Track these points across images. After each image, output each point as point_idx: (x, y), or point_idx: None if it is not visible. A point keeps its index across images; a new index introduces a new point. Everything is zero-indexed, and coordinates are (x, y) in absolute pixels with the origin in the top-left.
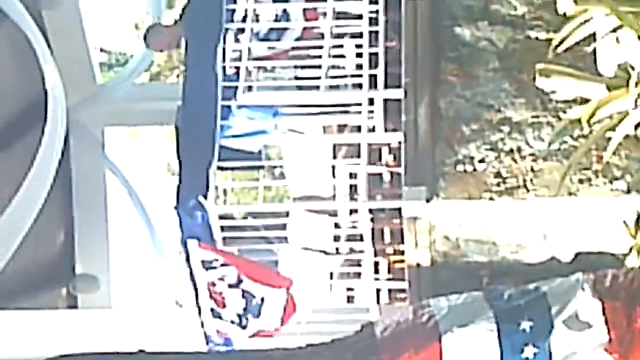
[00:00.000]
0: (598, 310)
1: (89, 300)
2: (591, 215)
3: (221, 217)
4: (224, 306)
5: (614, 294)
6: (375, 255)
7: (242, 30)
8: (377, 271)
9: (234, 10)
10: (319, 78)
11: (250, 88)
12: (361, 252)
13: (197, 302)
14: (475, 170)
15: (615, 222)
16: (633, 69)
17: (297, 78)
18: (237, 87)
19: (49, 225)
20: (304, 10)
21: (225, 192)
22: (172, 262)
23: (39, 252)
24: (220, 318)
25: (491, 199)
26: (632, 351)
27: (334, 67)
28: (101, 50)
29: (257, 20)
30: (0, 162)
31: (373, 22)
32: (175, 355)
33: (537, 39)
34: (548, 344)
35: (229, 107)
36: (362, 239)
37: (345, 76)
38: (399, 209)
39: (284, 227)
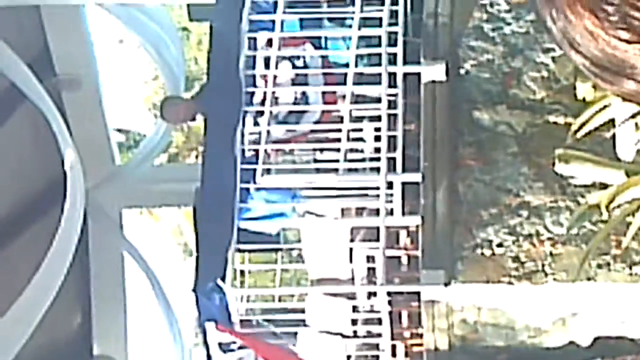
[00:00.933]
0: None
1: None
2: (610, 300)
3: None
4: None
5: None
6: (393, 338)
7: (261, 113)
8: (394, 354)
9: (253, 93)
10: (337, 161)
11: (268, 170)
12: (378, 335)
13: None
14: (493, 254)
15: (634, 307)
16: None
17: (315, 161)
18: (255, 170)
19: (66, 306)
20: (323, 93)
21: (242, 273)
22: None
23: (57, 333)
24: None
25: (509, 282)
26: None
27: (352, 150)
28: (119, 130)
29: (276, 103)
30: (18, 243)
31: (392, 105)
32: None
33: (555, 123)
34: None
35: (247, 189)
36: (379, 322)
37: (363, 159)
38: (417, 292)
39: (302, 311)
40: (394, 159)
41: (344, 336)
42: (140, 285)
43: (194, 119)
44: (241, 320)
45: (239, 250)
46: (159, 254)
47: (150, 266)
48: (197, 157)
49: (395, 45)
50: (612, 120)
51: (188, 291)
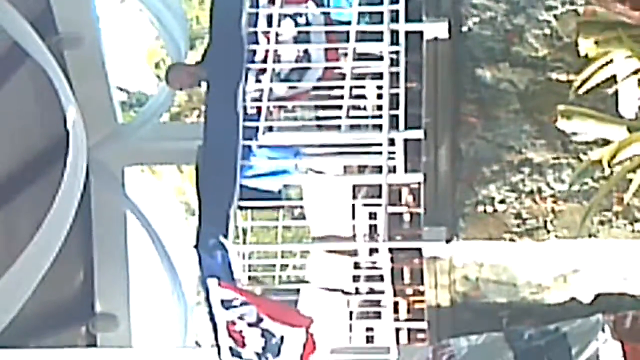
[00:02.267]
0: (618, 351)
1: (107, 338)
2: (611, 257)
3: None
4: (243, 345)
5: (634, 335)
6: (395, 295)
7: (263, 70)
8: (396, 311)
9: (255, 51)
10: (339, 118)
11: (270, 128)
12: (380, 292)
13: (216, 341)
14: (495, 210)
15: (635, 263)
16: None
17: (317, 118)
18: (257, 127)
19: (68, 264)
20: (325, 50)
21: (244, 231)
22: (192, 303)
23: (59, 291)
24: (240, 357)
25: (511, 239)
26: None
27: (354, 107)
28: (121, 89)
29: (279, 61)
30: (20, 201)
31: (394, 62)
32: None
33: (558, 80)
34: None
35: (250, 146)
36: (381, 279)
37: (365, 116)
38: (419, 249)
39: (303, 267)
40: (396, 116)
41: (345, 293)
42: (142, 244)
43: (199, 85)
44: (243, 277)
45: (241, 208)
46: (160, 212)
47: (152, 224)
48: (199, 116)
49: (397, 2)
50: (614, 77)
51: (190, 249)
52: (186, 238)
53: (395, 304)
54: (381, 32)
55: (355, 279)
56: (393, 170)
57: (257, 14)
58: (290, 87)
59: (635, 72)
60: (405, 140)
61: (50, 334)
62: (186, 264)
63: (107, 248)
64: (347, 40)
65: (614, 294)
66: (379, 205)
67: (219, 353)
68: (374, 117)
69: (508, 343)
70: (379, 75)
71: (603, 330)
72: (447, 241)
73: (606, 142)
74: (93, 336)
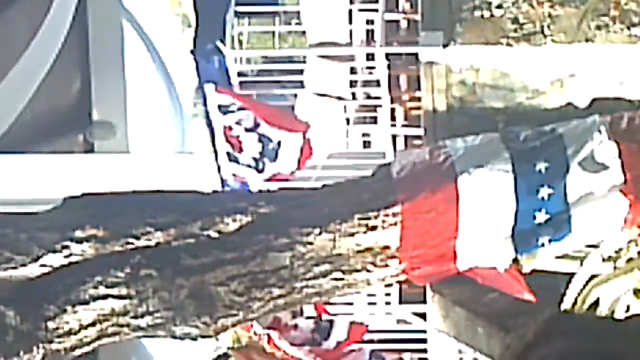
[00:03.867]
0: (614, 151)
1: (104, 146)
2: (608, 61)
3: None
4: (241, 150)
5: (630, 135)
6: (392, 102)
7: None
8: (393, 118)
9: None
10: None
11: None
12: (377, 97)
13: (214, 146)
14: (492, 15)
15: (632, 68)
16: None
17: None
18: None
19: (65, 73)
20: None
21: (241, 38)
22: (189, 115)
23: (56, 100)
24: (237, 162)
25: (508, 44)
26: None
27: None
28: None
29: None
30: (17, 9)
31: None
32: (191, 194)
33: None
34: (563, 185)
35: None
36: (378, 85)
37: None
38: (416, 55)
39: (300, 72)
40: None
41: (342, 99)
42: (139, 54)
43: None
44: (240, 82)
45: (238, 14)
46: (157, 23)
47: (148, 34)
48: None
49: None
50: None
51: (187, 59)
52: (183, 49)
53: (392, 110)
54: None
55: (352, 84)
56: None
57: None
58: None
59: None
60: None
61: (47, 141)
62: (183, 76)
63: (103, 57)
64: None
65: (610, 99)
66: (376, 11)
67: (216, 158)
68: None
69: (504, 144)
70: None
71: (599, 131)
72: (444, 46)
73: None
74: (90, 144)
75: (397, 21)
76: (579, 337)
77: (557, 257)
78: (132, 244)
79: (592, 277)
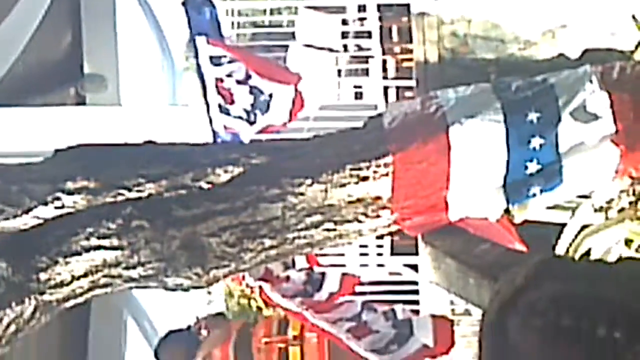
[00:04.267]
0: (605, 101)
1: (96, 99)
2: (599, 11)
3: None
4: (232, 102)
5: (622, 85)
6: (383, 54)
7: None
8: (384, 69)
9: None
10: None
11: None
12: (369, 49)
13: (205, 98)
14: None
15: (623, 18)
16: None
17: None
18: None
19: (56, 25)
20: None
21: None
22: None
23: (47, 52)
24: (228, 114)
25: None
26: (638, 141)
27: None
28: None
29: None
30: None
31: None
32: (183, 145)
33: None
34: (555, 135)
35: None
36: (369, 36)
37: None
38: (407, 7)
39: (291, 24)
40: None
41: (333, 50)
42: (130, 8)
43: None
44: (232, 35)
45: None
46: None
47: None
48: None
49: None
50: None
51: (179, 11)
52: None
53: (384, 62)
54: None
55: (344, 36)
56: None
57: None
58: None
59: None
60: None
61: (39, 95)
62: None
63: (95, 10)
64: None
65: (602, 49)
66: None
67: (207, 110)
68: None
69: (495, 94)
70: None
71: (591, 81)
72: None
73: None
74: (82, 97)
75: None
76: (569, 281)
77: (549, 208)
78: (123, 195)
79: (584, 227)
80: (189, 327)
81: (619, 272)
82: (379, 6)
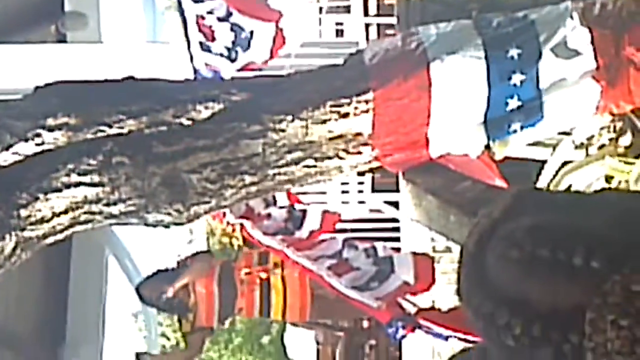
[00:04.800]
0: (586, 37)
1: (77, 37)
2: None
3: None
4: (213, 39)
5: (603, 21)
6: None
7: None
8: (365, 6)
9: None
10: None
11: None
12: None
13: (186, 36)
14: None
15: None
16: None
17: None
18: None
19: None
20: None
21: None
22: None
23: None
24: (209, 51)
25: None
26: (618, 78)
27: None
28: None
29: None
30: None
31: None
32: (164, 82)
33: None
34: (535, 71)
35: None
36: None
37: None
38: None
39: None
40: None
41: None
42: None
43: None
44: None
45: None
46: None
47: None
48: None
49: None
50: None
51: None
52: None
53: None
54: None
55: None
56: None
57: None
58: None
59: None
60: None
61: (19, 32)
62: None
63: None
64: None
65: None
66: None
67: (188, 48)
68: None
69: (476, 30)
70: None
71: (572, 17)
72: None
73: None
74: (63, 34)
75: None
76: (546, 211)
77: (529, 145)
78: (104, 131)
79: (564, 164)
80: (173, 268)
81: (597, 202)
82: None
